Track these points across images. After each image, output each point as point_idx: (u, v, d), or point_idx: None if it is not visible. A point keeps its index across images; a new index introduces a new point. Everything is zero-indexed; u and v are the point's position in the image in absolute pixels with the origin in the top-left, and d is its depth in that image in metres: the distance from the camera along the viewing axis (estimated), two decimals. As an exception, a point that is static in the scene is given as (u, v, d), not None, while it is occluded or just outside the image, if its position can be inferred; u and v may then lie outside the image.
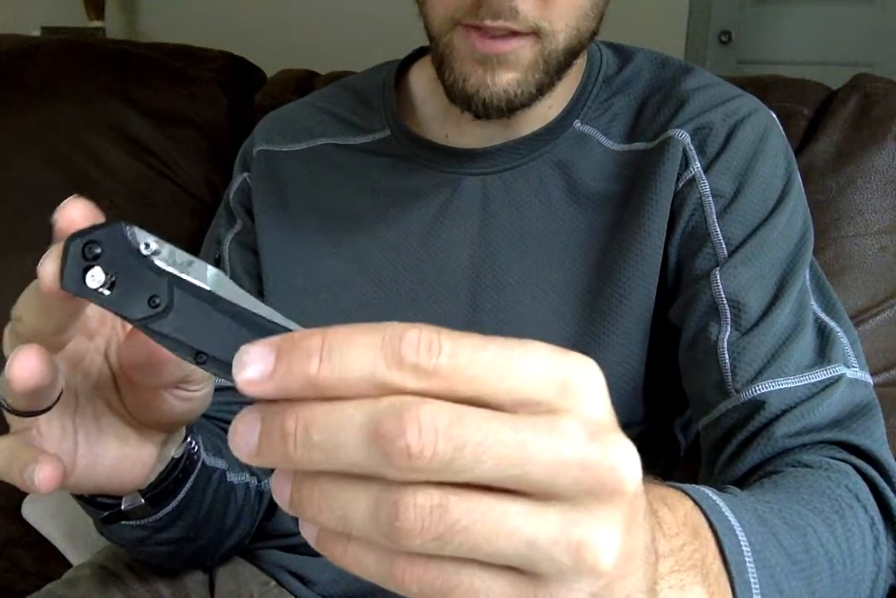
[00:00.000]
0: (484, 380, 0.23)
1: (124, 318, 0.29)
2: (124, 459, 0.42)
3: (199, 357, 0.28)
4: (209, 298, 0.28)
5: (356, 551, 0.24)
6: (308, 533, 0.25)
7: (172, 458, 0.46)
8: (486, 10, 0.55)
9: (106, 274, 0.29)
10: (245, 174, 0.75)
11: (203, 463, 0.52)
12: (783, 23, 2.37)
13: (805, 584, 0.43)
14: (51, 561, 0.94)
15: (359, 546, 0.24)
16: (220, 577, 0.70)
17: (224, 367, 0.27)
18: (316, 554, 0.67)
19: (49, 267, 0.30)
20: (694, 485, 0.41)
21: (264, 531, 0.70)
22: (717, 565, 0.38)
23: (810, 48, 2.35)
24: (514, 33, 0.57)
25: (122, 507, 0.47)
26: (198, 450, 0.49)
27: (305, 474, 0.25)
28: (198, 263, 0.29)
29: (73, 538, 0.94)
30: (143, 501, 0.47)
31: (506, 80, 0.58)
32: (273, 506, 0.69)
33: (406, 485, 0.23)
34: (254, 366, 0.24)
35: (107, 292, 0.29)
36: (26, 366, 0.33)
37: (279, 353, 0.24)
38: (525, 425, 0.23)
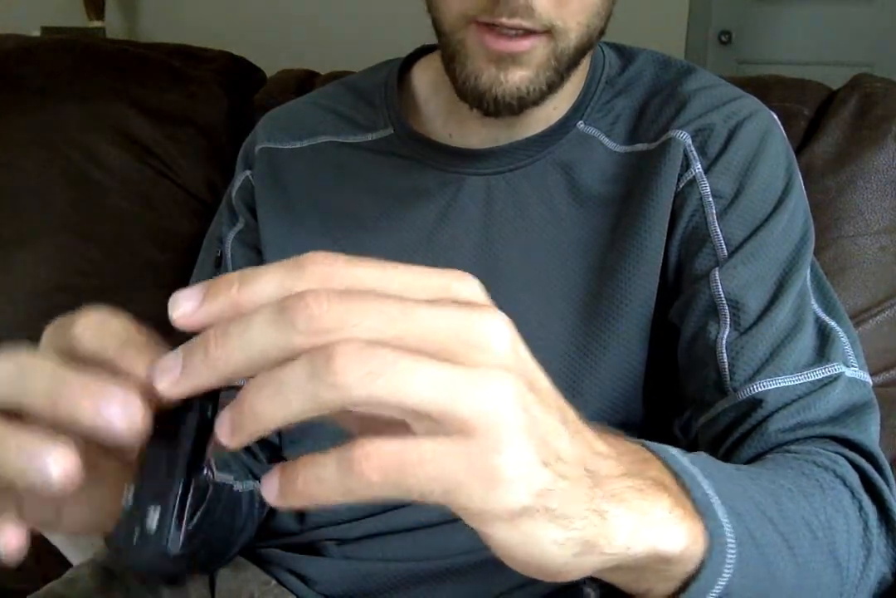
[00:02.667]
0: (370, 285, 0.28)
1: None
2: (87, 508, 0.37)
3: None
4: None
5: (313, 472, 0.27)
6: (269, 488, 0.27)
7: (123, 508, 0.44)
8: (502, 7, 0.55)
9: None
10: (247, 172, 0.74)
11: (213, 483, 0.52)
12: (783, 23, 2.37)
13: (780, 539, 0.42)
14: (51, 561, 0.94)
15: (313, 466, 0.27)
16: (221, 576, 0.70)
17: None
18: (317, 553, 0.67)
19: None
20: (650, 442, 0.39)
21: (265, 530, 0.70)
22: (678, 489, 0.36)
23: (810, 48, 2.35)
24: (527, 32, 0.56)
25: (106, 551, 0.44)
26: (212, 477, 0.50)
27: (243, 389, 0.27)
28: None
29: (73, 538, 0.94)
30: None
31: (518, 78, 0.58)
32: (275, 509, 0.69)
33: (335, 341, 0.26)
34: (185, 302, 0.28)
35: None
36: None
37: (205, 290, 0.28)
38: (409, 298, 0.28)
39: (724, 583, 0.36)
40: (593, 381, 0.63)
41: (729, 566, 0.36)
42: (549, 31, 0.57)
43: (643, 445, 0.38)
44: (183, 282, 0.78)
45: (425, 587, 0.65)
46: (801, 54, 2.35)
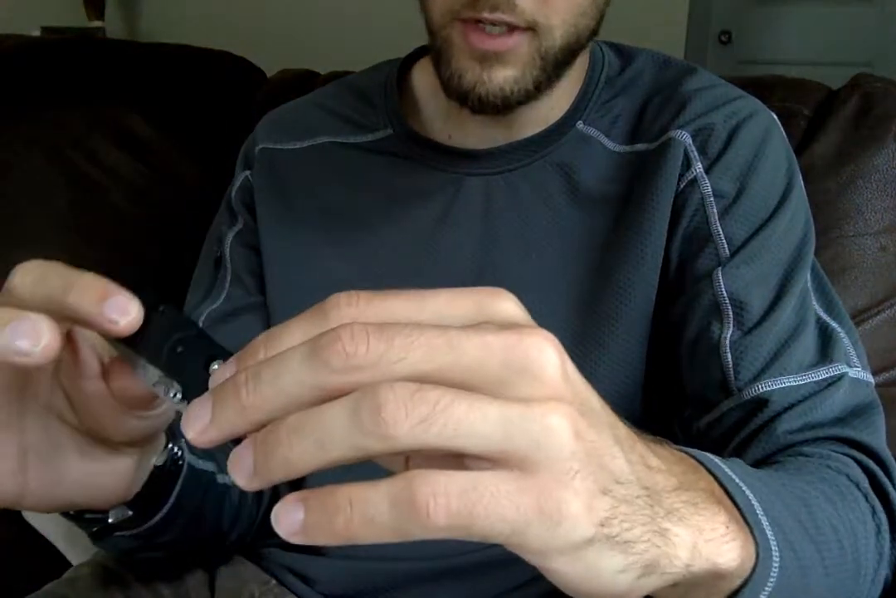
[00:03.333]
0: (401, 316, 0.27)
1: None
2: (95, 474, 0.40)
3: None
4: None
5: (360, 510, 0.24)
6: (290, 523, 0.25)
7: (154, 466, 0.44)
8: (483, 2, 0.55)
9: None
10: (247, 172, 0.74)
11: (191, 467, 0.51)
12: (783, 23, 2.37)
13: (814, 550, 0.42)
14: (51, 561, 0.94)
15: (361, 503, 0.24)
16: (221, 576, 0.70)
17: None
18: (317, 553, 0.67)
19: None
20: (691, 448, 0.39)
21: (265, 529, 0.69)
22: (728, 501, 0.36)
23: (810, 48, 2.35)
24: (511, 30, 0.56)
25: (110, 520, 0.45)
26: (181, 455, 0.48)
27: (268, 429, 0.25)
28: None
29: (73, 538, 0.94)
30: (129, 513, 0.45)
31: (502, 77, 0.58)
32: (274, 504, 0.69)
33: (378, 384, 0.24)
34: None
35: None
36: None
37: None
38: (448, 326, 0.26)
39: (766, 595, 0.36)
40: (593, 381, 0.63)
41: (772, 579, 0.36)
42: (532, 29, 0.57)
43: (686, 452, 0.38)
44: (183, 282, 0.78)
45: (425, 587, 0.65)
46: (801, 54, 2.35)
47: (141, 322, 0.31)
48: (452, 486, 0.24)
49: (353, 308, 0.26)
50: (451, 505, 0.24)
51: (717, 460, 0.39)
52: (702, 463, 0.38)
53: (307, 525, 0.24)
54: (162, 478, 0.46)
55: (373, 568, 0.66)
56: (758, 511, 0.37)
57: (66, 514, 0.46)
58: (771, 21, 2.39)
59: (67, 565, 0.88)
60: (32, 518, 0.97)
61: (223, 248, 0.74)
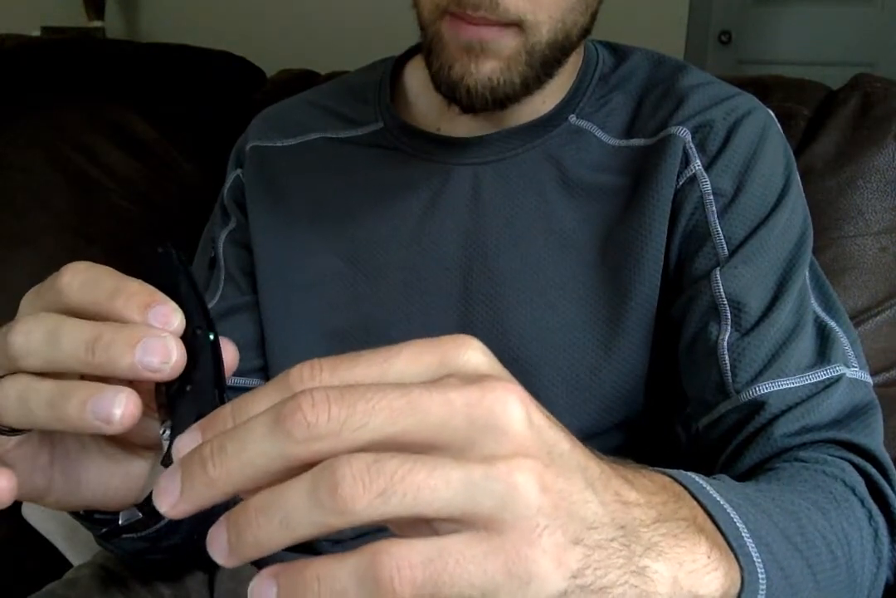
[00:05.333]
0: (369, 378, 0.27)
1: None
2: (113, 475, 0.41)
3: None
4: None
5: (327, 585, 0.24)
6: None
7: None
8: (466, 1, 0.55)
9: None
10: (238, 171, 0.75)
11: None
12: (783, 23, 2.37)
13: (805, 565, 0.41)
14: (51, 561, 0.94)
15: (327, 579, 0.24)
16: (220, 577, 0.70)
17: None
18: (315, 552, 0.67)
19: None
20: (675, 470, 0.39)
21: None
22: (711, 526, 0.36)
23: (810, 48, 2.35)
24: (496, 26, 0.56)
25: (120, 522, 0.46)
26: None
27: (237, 509, 0.25)
28: None
29: (73, 538, 0.93)
30: (139, 514, 0.45)
31: (489, 68, 0.58)
32: None
33: (335, 459, 0.24)
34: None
35: None
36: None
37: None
38: (410, 384, 0.26)
39: None
40: (593, 378, 0.63)
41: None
42: (518, 25, 0.57)
43: (671, 475, 0.37)
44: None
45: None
46: (801, 54, 2.35)
47: (184, 366, 0.32)
48: (416, 557, 0.24)
49: (317, 380, 0.26)
50: (416, 577, 0.24)
51: (701, 481, 0.38)
52: (686, 486, 0.37)
53: None
54: None
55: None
56: (743, 534, 0.37)
57: (76, 515, 0.46)
58: (771, 21, 2.38)
59: (67, 565, 0.88)
60: (32, 518, 0.97)
61: (216, 248, 0.74)
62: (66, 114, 1.14)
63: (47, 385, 0.33)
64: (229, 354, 0.34)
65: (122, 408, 0.32)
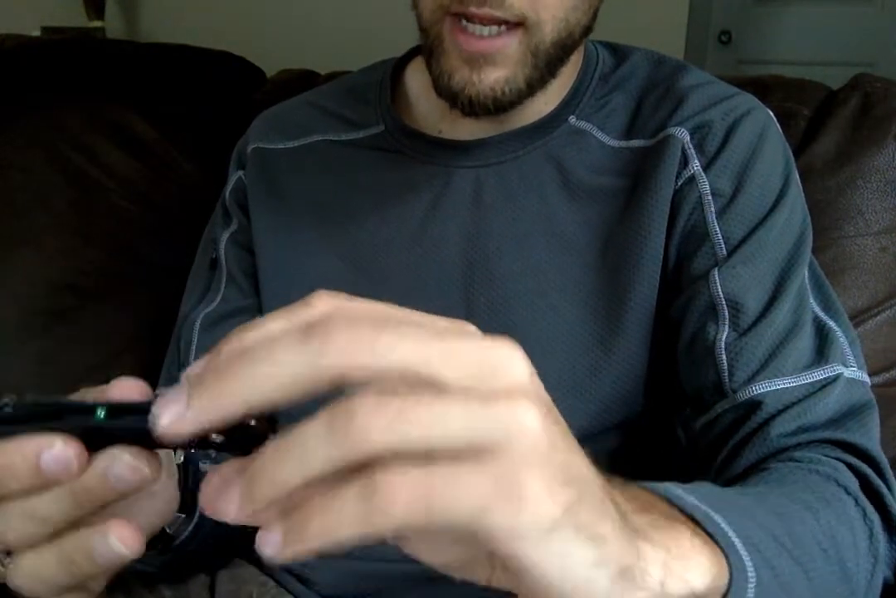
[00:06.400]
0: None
1: None
2: (171, 487, 0.41)
3: None
4: None
5: (331, 509, 0.24)
6: (271, 539, 0.25)
7: (177, 465, 0.45)
8: None
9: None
10: (240, 172, 0.75)
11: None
12: (783, 23, 2.37)
13: (794, 563, 0.41)
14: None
15: (331, 502, 0.24)
16: (220, 578, 0.70)
17: None
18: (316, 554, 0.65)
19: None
20: (653, 483, 0.39)
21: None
22: (692, 525, 0.36)
23: (810, 48, 2.35)
24: (500, 24, 0.56)
25: (168, 530, 0.46)
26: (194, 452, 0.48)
27: (251, 458, 0.25)
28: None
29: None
30: (182, 515, 0.46)
31: (493, 78, 0.58)
32: None
33: (353, 397, 0.24)
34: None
35: None
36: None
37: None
38: (433, 324, 0.27)
39: None
40: (593, 379, 0.63)
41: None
42: (522, 24, 0.57)
43: (646, 488, 0.37)
44: (182, 282, 0.78)
45: (424, 589, 0.65)
46: (801, 54, 2.35)
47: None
48: (413, 472, 0.24)
49: (339, 305, 0.27)
50: (409, 490, 0.24)
51: (680, 492, 0.38)
52: (663, 496, 0.37)
53: (287, 537, 0.25)
54: (187, 479, 0.47)
55: (372, 569, 0.66)
56: (729, 534, 0.36)
57: None
58: (771, 21, 2.38)
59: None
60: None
61: (218, 249, 0.74)
62: (66, 114, 1.14)
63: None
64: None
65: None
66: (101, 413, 0.27)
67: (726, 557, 0.35)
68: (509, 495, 0.25)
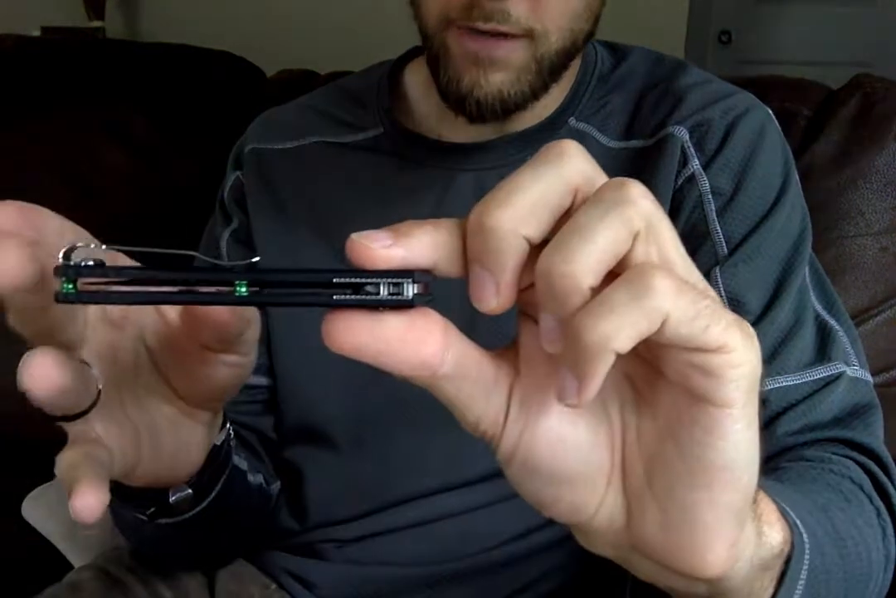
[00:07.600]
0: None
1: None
2: (182, 444, 0.40)
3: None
4: None
5: (605, 319, 0.24)
6: (567, 389, 0.25)
7: (214, 445, 0.44)
8: (478, 12, 0.55)
9: None
10: (238, 172, 0.75)
11: (231, 460, 0.50)
12: (783, 23, 2.37)
13: (837, 555, 0.42)
14: (51, 561, 0.94)
15: (603, 311, 0.24)
16: (221, 579, 0.70)
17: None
18: (318, 556, 0.67)
19: None
20: None
21: (270, 534, 0.70)
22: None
23: (810, 48, 2.35)
24: (506, 35, 0.56)
25: (171, 500, 0.45)
26: (232, 437, 0.48)
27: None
28: None
29: (73, 538, 0.93)
30: (189, 491, 0.45)
31: (499, 80, 0.58)
32: (280, 512, 0.69)
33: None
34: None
35: None
36: (36, 373, 0.30)
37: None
38: None
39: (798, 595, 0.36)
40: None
41: (802, 581, 0.36)
42: (528, 35, 0.57)
43: None
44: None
45: (426, 593, 0.65)
46: (801, 54, 2.35)
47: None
48: (674, 276, 0.25)
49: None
50: (674, 284, 0.25)
51: None
52: None
53: (579, 350, 0.25)
54: (220, 456, 0.46)
55: (374, 573, 0.66)
56: (792, 514, 0.37)
57: (118, 495, 0.43)
58: (771, 21, 2.38)
59: (67, 565, 0.88)
60: (32, 518, 0.97)
61: (220, 248, 0.74)
62: (67, 114, 1.14)
63: None
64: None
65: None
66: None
67: (791, 536, 0.36)
68: (753, 343, 0.26)
